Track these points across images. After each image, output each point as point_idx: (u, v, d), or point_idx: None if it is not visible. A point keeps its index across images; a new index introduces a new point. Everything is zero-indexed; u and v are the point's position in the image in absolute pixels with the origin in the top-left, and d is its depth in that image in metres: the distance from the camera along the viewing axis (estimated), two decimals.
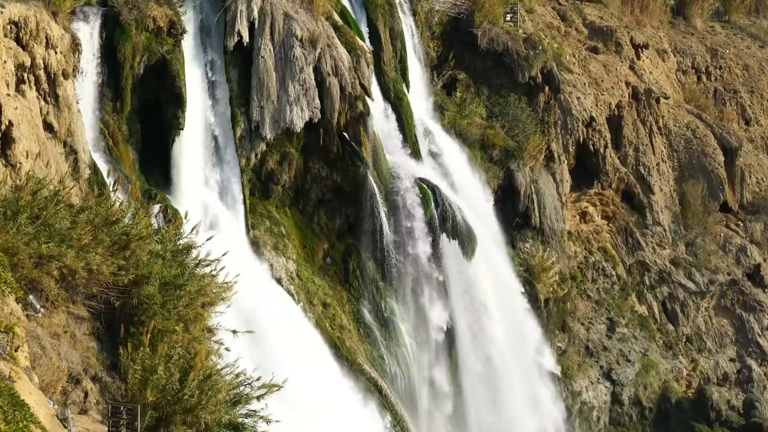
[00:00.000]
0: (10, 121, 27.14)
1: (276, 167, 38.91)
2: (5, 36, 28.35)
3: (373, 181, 39.81)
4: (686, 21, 66.29)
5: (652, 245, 54.75)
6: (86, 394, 18.96)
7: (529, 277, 46.66)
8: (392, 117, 43.04)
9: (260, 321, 31.47)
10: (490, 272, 43.48)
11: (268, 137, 37.77)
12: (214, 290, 22.31)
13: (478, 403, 42.88)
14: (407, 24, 46.05)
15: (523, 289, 45.80)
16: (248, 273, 30.24)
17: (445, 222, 41.37)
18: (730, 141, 58.68)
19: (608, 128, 53.44)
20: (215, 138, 37.28)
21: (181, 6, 36.52)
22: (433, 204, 41.14)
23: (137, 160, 35.27)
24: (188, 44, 36.56)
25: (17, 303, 17.74)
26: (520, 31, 50.53)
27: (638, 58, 58.63)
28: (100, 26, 34.18)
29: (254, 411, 20.30)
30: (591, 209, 53.51)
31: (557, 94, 50.06)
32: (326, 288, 39.45)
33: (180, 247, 22.98)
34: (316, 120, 38.54)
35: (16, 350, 16.25)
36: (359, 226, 40.40)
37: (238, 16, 37.09)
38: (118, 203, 23.36)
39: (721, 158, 57.85)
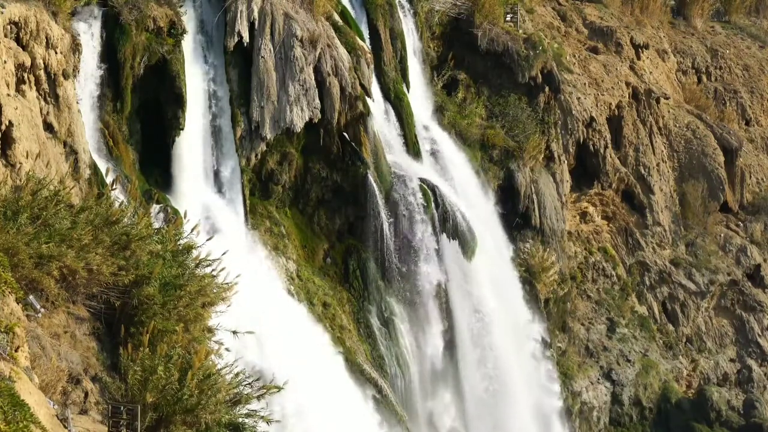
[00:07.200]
0: (10, 122, 27.13)
1: (276, 167, 38.91)
2: (5, 36, 28.34)
3: (373, 181, 39.80)
4: (686, 21, 66.31)
5: (652, 245, 54.75)
6: (86, 395, 18.95)
7: (529, 277, 46.67)
8: (392, 117, 43.04)
9: (260, 321, 31.44)
10: (490, 272, 43.47)
11: (268, 137, 37.77)
12: (214, 290, 22.30)
13: (478, 403, 42.87)
14: (407, 24, 46.05)
15: (523, 289, 45.83)
16: (248, 273, 30.22)
17: (445, 222, 41.37)
18: (730, 141, 58.69)
19: (608, 128, 53.45)
20: (215, 138, 37.28)
21: (181, 6, 36.51)
22: (433, 204, 41.13)
23: (137, 160, 35.27)
24: (188, 44, 36.55)
25: (17, 303, 17.73)
26: (520, 31, 50.54)
27: (638, 58, 58.63)
28: (100, 26, 34.17)
29: (254, 411, 20.29)
30: (591, 209, 53.52)
31: (557, 95, 50.06)
32: (326, 288, 39.44)
33: (180, 248, 22.96)
34: (316, 120, 38.54)
35: (16, 350, 16.24)
36: (359, 226, 40.38)
37: (238, 16, 37.09)
38: (118, 203, 23.35)
39: (721, 158, 57.86)
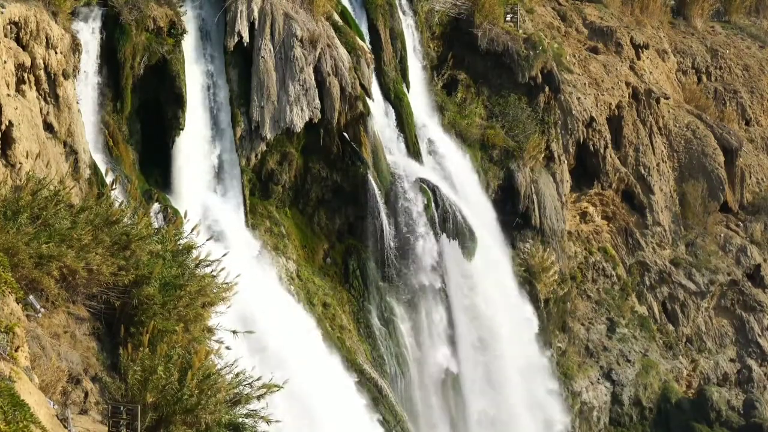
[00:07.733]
0: (10, 122, 27.14)
1: (276, 167, 38.91)
2: (5, 36, 28.34)
3: (373, 181, 39.80)
4: (686, 21, 66.28)
5: (652, 245, 54.74)
6: (86, 395, 18.94)
7: (529, 277, 46.66)
8: (392, 117, 43.04)
9: (260, 321, 31.47)
10: (489, 272, 43.48)
11: (268, 137, 37.78)
12: (214, 290, 22.29)
13: (478, 402, 42.89)
14: (407, 24, 46.04)
15: (522, 289, 45.85)
16: (248, 273, 30.21)
17: (445, 222, 41.37)
18: (730, 141, 58.68)
19: (608, 128, 53.44)
20: (215, 138, 37.28)
21: (181, 6, 36.52)
22: (433, 204, 41.14)
23: (137, 160, 35.28)
24: (188, 44, 36.56)
25: (17, 303, 17.72)
26: (520, 31, 50.53)
27: (638, 58, 58.61)
28: (100, 26, 34.19)
29: (254, 411, 20.27)
30: (591, 209, 53.51)
31: (557, 95, 50.06)
32: (326, 288, 39.45)
33: (180, 248, 22.95)
34: (316, 120, 38.54)
35: (16, 350, 16.23)
36: (359, 226, 40.39)
37: (238, 16, 37.09)
38: (118, 203, 23.35)
39: (721, 158, 57.85)
